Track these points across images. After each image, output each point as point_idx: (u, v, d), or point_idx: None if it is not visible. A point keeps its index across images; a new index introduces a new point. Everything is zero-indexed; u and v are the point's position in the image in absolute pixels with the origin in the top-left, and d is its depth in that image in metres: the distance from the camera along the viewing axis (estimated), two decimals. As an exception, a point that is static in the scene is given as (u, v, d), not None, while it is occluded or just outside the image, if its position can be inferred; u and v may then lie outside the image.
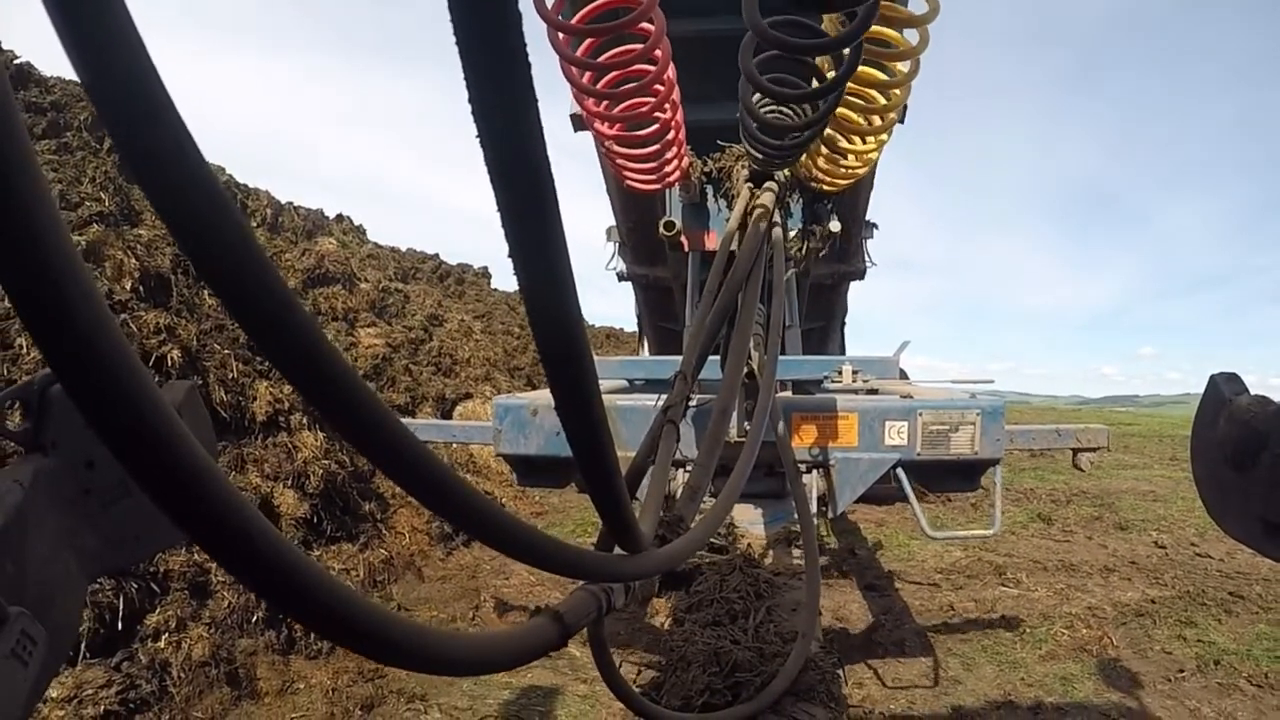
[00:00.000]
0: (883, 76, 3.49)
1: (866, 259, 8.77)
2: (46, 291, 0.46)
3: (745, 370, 3.12)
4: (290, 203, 12.86)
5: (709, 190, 5.17)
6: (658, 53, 3.39)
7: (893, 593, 6.47)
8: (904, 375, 5.78)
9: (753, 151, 3.94)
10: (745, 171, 4.55)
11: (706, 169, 5.04)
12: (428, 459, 0.73)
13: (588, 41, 3.35)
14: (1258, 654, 5.17)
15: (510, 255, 0.72)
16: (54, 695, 3.75)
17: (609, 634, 2.72)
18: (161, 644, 4.55)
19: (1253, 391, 1.29)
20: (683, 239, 5.27)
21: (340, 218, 15.39)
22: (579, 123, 5.13)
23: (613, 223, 7.56)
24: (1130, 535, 8.36)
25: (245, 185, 11.48)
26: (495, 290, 18.48)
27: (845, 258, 8.72)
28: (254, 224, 10.67)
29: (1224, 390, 1.30)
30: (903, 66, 3.42)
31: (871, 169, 7.08)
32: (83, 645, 4.14)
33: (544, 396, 4.46)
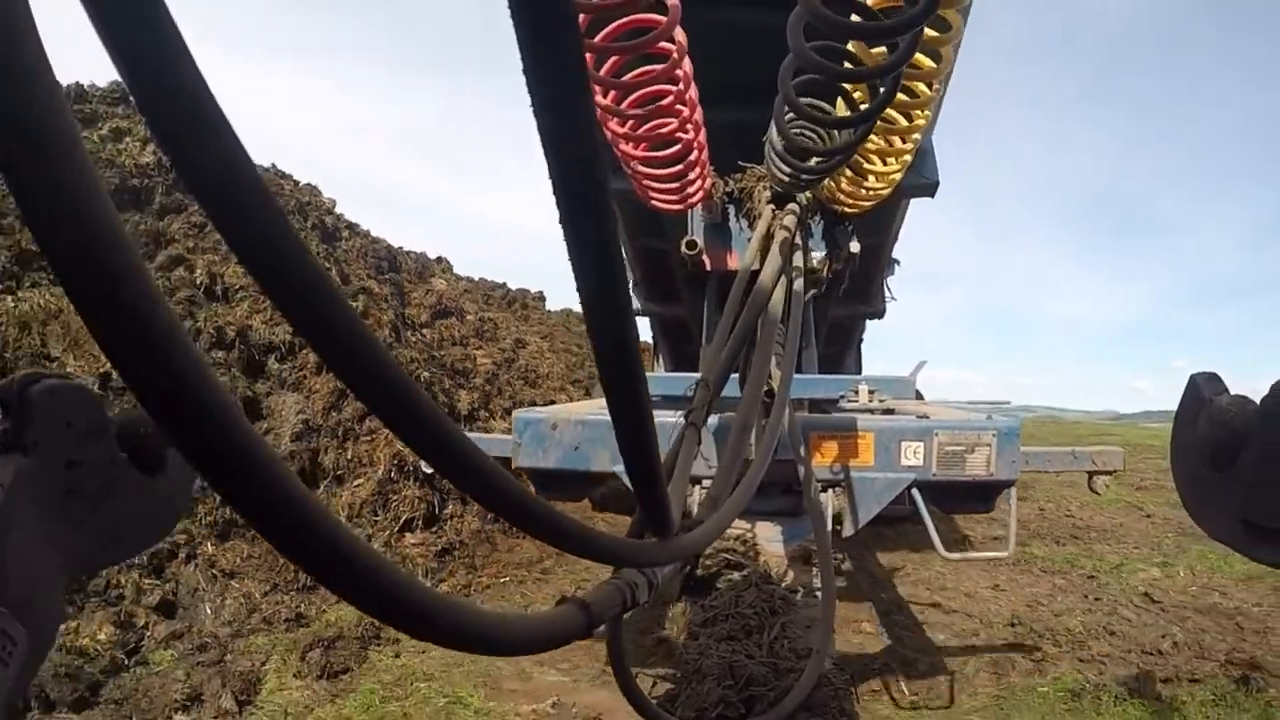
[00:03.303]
0: (905, 97, 3.51)
1: (887, 295, 8.81)
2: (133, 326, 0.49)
3: (765, 388, 3.17)
4: (400, 247, 14.85)
5: (730, 210, 5.21)
6: (680, 71, 3.43)
7: (906, 611, 6.45)
8: (919, 395, 5.79)
9: (777, 173, 3.99)
10: (767, 193, 4.60)
11: (728, 189, 5.09)
12: (477, 456, 0.79)
13: (611, 61, 3.41)
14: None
15: (570, 260, 0.79)
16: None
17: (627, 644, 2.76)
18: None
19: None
20: (704, 258, 5.32)
21: (440, 259, 17.44)
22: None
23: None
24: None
25: (350, 221, 13.12)
26: (550, 312, 19.75)
27: (866, 298, 8.74)
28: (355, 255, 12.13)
29: (1203, 390, 1.31)
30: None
31: (900, 212, 7.13)
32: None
33: (564, 411, 4.52)
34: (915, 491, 3.74)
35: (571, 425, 4.01)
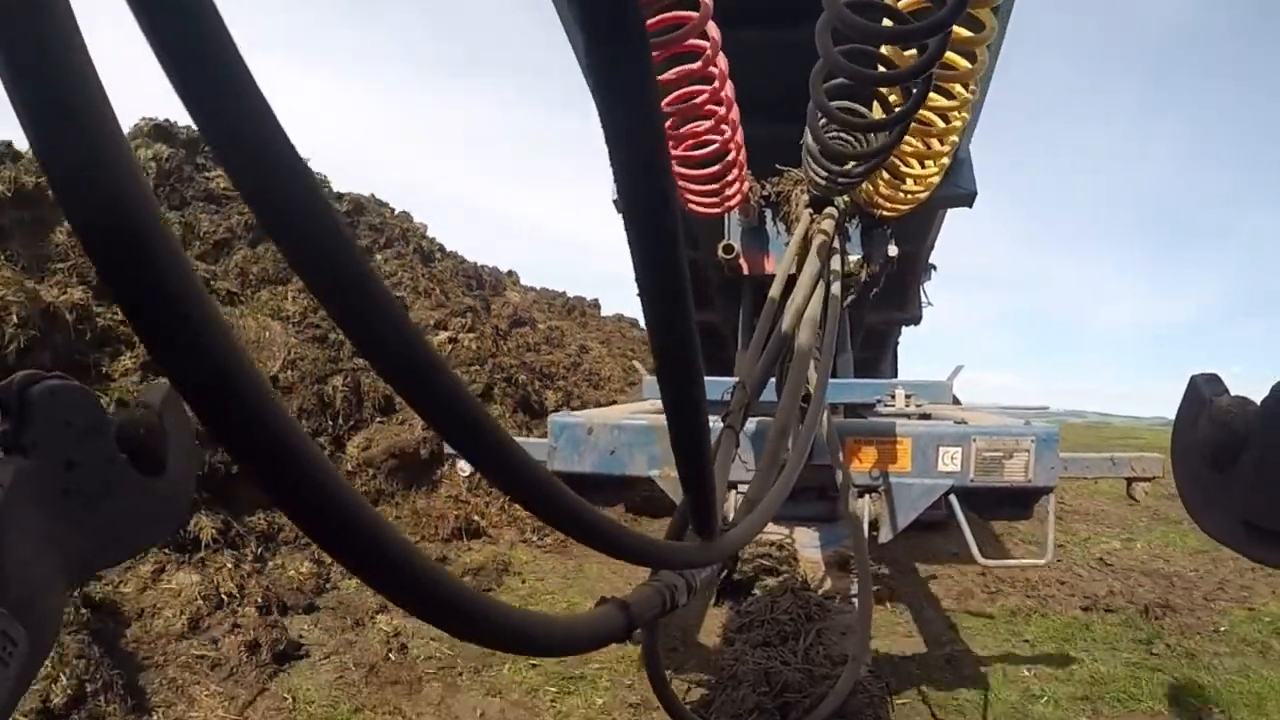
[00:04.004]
0: (943, 100, 3.48)
1: (923, 300, 8.73)
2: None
3: (802, 392, 3.15)
4: (475, 262, 16.07)
5: (767, 214, 5.19)
6: (714, 69, 3.42)
7: (944, 619, 6.39)
8: (956, 400, 5.71)
9: (814, 176, 3.96)
10: (805, 196, 4.58)
11: (765, 193, 5.08)
12: (530, 463, 0.80)
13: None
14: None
15: (633, 264, 0.81)
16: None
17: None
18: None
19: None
20: (741, 262, 5.30)
21: (510, 272, 18.77)
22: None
23: None
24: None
25: (440, 244, 14.45)
26: (604, 318, 20.91)
27: (902, 304, 8.66)
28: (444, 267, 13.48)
29: (1204, 391, 1.30)
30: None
31: (938, 221, 7.07)
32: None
33: (600, 415, 4.52)
34: (952, 497, 3.70)
35: (608, 429, 4.01)
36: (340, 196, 12.31)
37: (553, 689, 4.99)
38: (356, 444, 8.00)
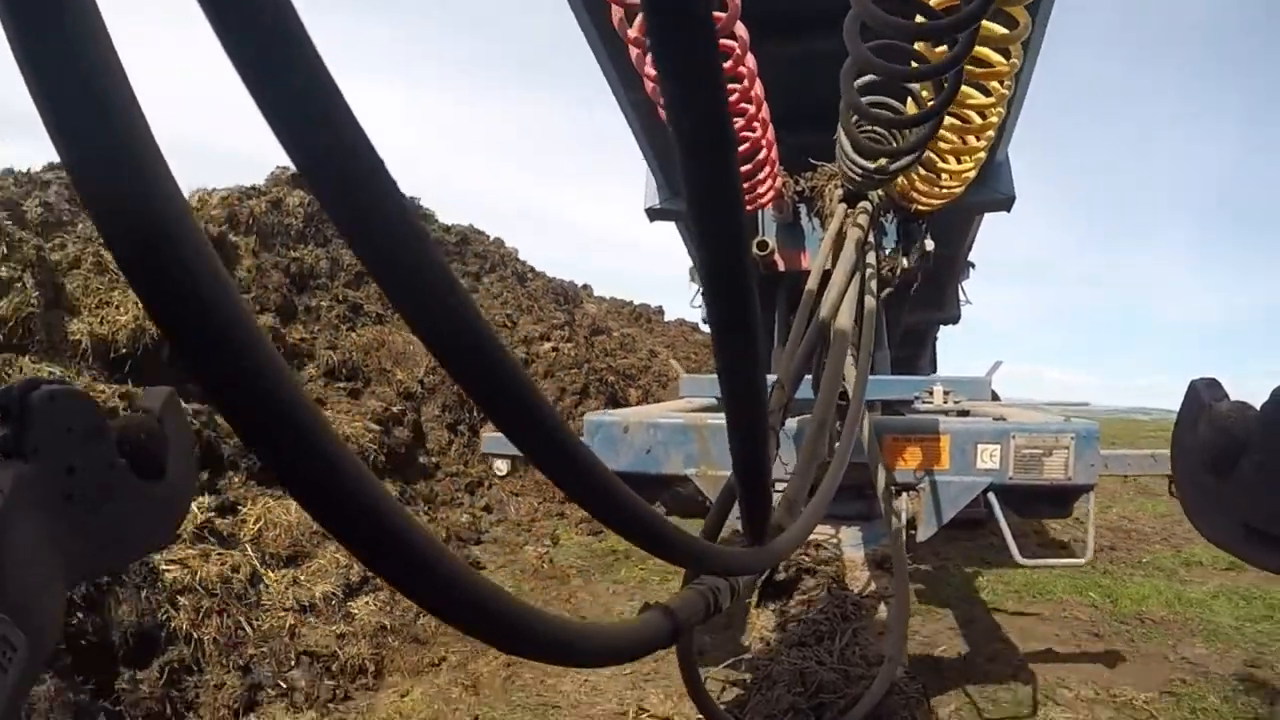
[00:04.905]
0: (979, 96, 3.46)
1: (962, 299, 8.63)
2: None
3: (839, 390, 3.12)
4: (560, 279, 18.13)
5: (802, 210, 5.16)
6: (743, 68, 3.41)
7: (983, 619, 6.30)
8: (995, 396, 5.65)
9: (848, 171, 3.93)
10: (839, 191, 4.54)
11: (799, 188, 5.05)
12: (594, 463, 0.81)
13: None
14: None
15: (697, 266, 0.82)
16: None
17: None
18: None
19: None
20: (776, 259, 5.27)
21: (585, 285, 20.36)
22: (653, 214, 6.33)
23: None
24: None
25: (531, 265, 16.66)
26: (668, 323, 22.24)
27: (940, 305, 8.57)
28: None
29: (1203, 396, 1.32)
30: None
31: (974, 225, 7.00)
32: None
33: (635, 413, 4.51)
34: (991, 495, 3.64)
35: (643, 428, 3.98)
36: (449, 229, 14.64)
37: (655, 579, 7.09)
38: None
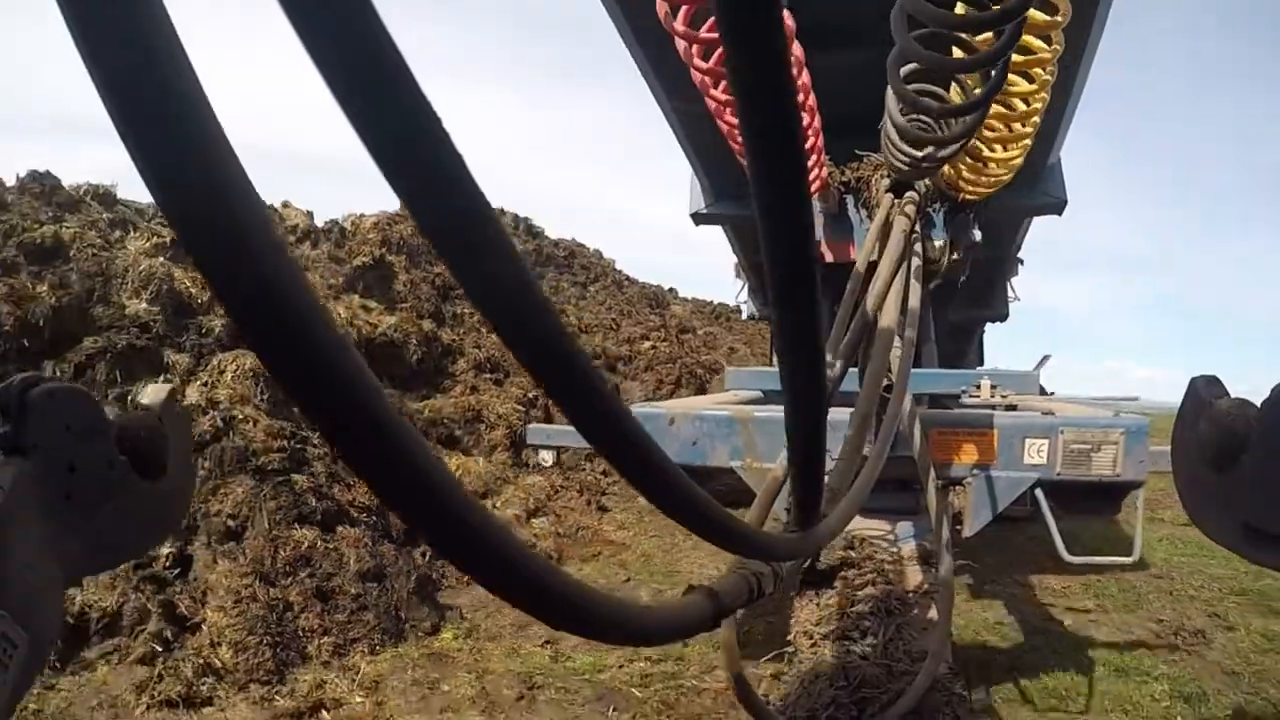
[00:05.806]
0: (1024, 83, 3.41)
1: (1011, 296, 8.49)
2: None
3: (884, 381, 3.09)
4: (638, 281, 20.31)
5: (849, 200, 5.11)
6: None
7: (1030, 616, 6.20)
8: (1044, 391, 5.56)
9: (894, 161, 3.88)
10: (885, 181, 4.49)
11: (845, 178, 5.00)
12: (650, 446, 0.86)
13: (719, 52, 3.37)
14: None
15: (764, 258, 0.84)
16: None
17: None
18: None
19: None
20: (824, 250, 5.22)
21: (671, 289, 22.38)
22: (699, 219, 6.47)
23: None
24: None
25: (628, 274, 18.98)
26: (746, 321, 23.13)
27: (989, 303, 8.43)
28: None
29: (1204, 393, 1.31)
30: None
31: (1023, 227, 6.88)
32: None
33: (681, 405, 4.51)
34: (1038, 491, 3.57)
35: (689, 420, 3.97)
36: (557, 243, 16.97)
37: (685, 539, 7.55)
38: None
